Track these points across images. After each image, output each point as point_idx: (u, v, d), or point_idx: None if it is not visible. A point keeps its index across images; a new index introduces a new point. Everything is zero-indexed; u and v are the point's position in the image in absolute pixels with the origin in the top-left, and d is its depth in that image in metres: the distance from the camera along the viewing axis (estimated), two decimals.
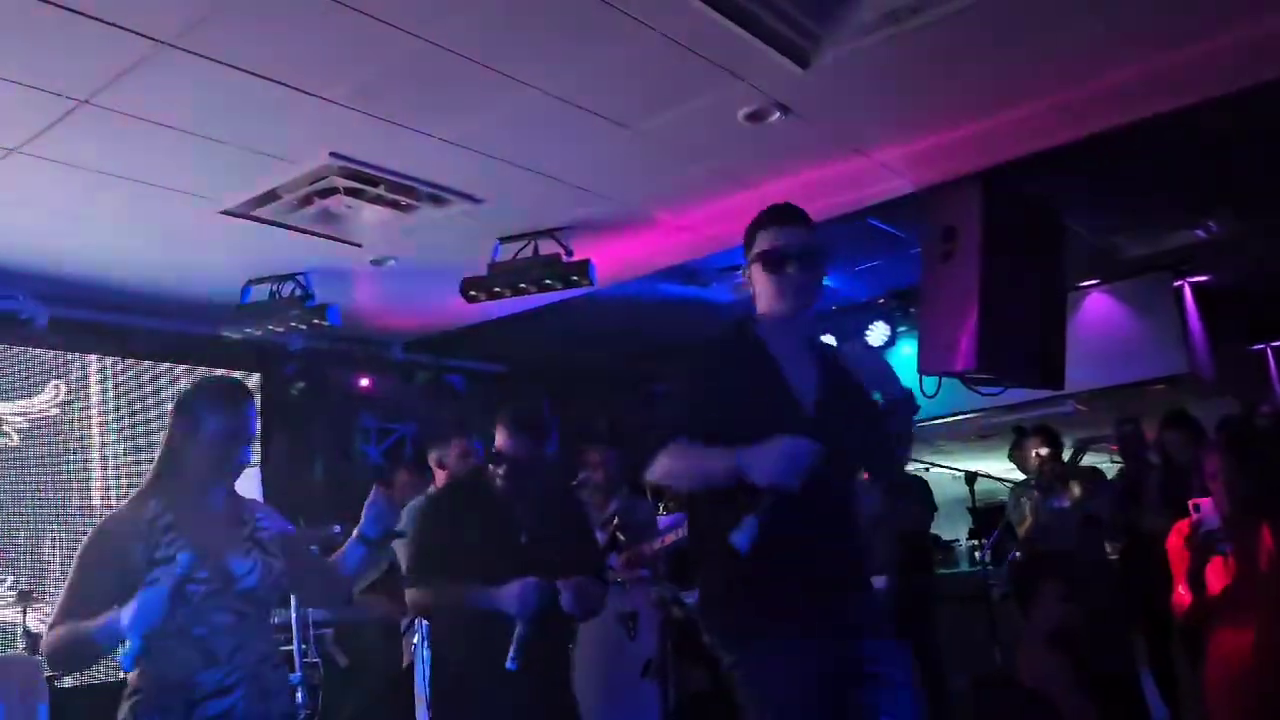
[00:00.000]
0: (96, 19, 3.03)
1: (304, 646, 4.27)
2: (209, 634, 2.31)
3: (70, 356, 5.65)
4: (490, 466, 3.15)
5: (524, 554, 3.04)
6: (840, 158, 4.39)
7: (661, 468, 2.28)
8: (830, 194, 4.78)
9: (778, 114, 3.92)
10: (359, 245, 4.99)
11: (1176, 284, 6.52)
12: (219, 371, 6.08)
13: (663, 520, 5.25)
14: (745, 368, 2.40)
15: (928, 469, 6.83)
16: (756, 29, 3.35)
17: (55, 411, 5.54)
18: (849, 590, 2.33)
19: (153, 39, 3.17)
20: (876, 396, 2.39)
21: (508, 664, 2.83)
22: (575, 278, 4.85)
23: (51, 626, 2.28)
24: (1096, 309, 6.68)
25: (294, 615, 4.28)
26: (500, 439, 3.12)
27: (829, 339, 2.65)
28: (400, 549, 3.69)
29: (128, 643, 2.14)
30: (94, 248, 4.80)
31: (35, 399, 5.47)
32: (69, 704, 4.10)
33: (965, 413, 6.94)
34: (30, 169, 3.94)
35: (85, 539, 2.36)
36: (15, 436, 5.38)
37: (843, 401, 2.37)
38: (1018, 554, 5.72)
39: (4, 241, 4.63)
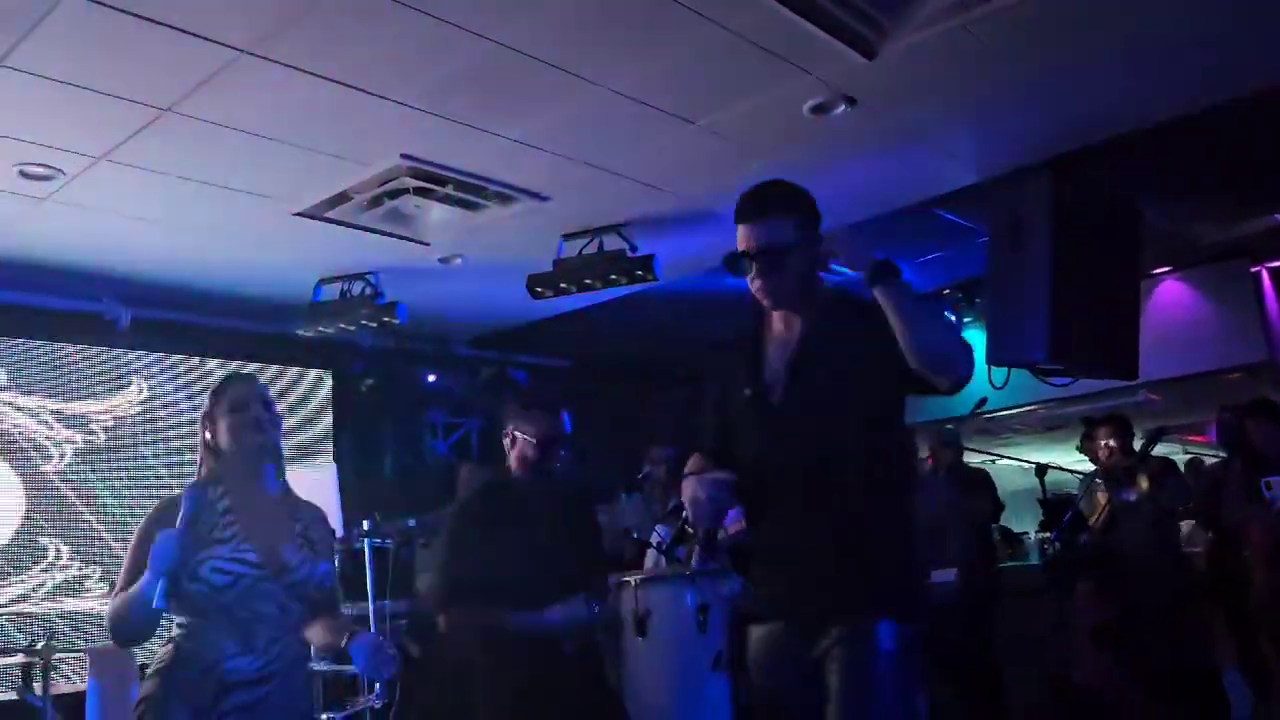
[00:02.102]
0: (179, 29, 3.12)
1: (380, 638, 4.33)
2: (250, 620, 2.32)
3: (151, 356, 5.82)
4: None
5: (551, 570, 3.04)
6: (907, 149, 4.36)
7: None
8: (896, 186, 4.75)
9: (843, 106, 3.90)
10: (427, 244, 5.07)
11: (1254, 270, 6.35)
12: (292, 369, 6.26)
13: (731, 512, 5.27)
14: (734, 364, 2.36)
15: (994, 461, 6.75)
16: (821, 21, 3.34)
17: (138, 409, 5.73)
18: (824, 581, 2.15)
19: (231, 47, 3.26)
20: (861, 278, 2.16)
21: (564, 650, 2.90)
22: (640, 273, 4.87)
23: (112, 597, 2.32)
24: (1170, 296, 6.54)
25: (370, 606, 4.34)
26: (519, 424, 3.12)
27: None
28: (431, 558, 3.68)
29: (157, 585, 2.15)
30: (173, 250, 4.94)
31: (119, 398, 5.66)
32: None
33: (1034, 404, 6.84)
34: (114, 175, 4.08)
35: (149, 515, 2.41)
36: (102, 434, 5.57)
37: (821, 379, 2.20)
38: (1089, 546, 5.63)
39: (89, 245, 4.79)
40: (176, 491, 2.44)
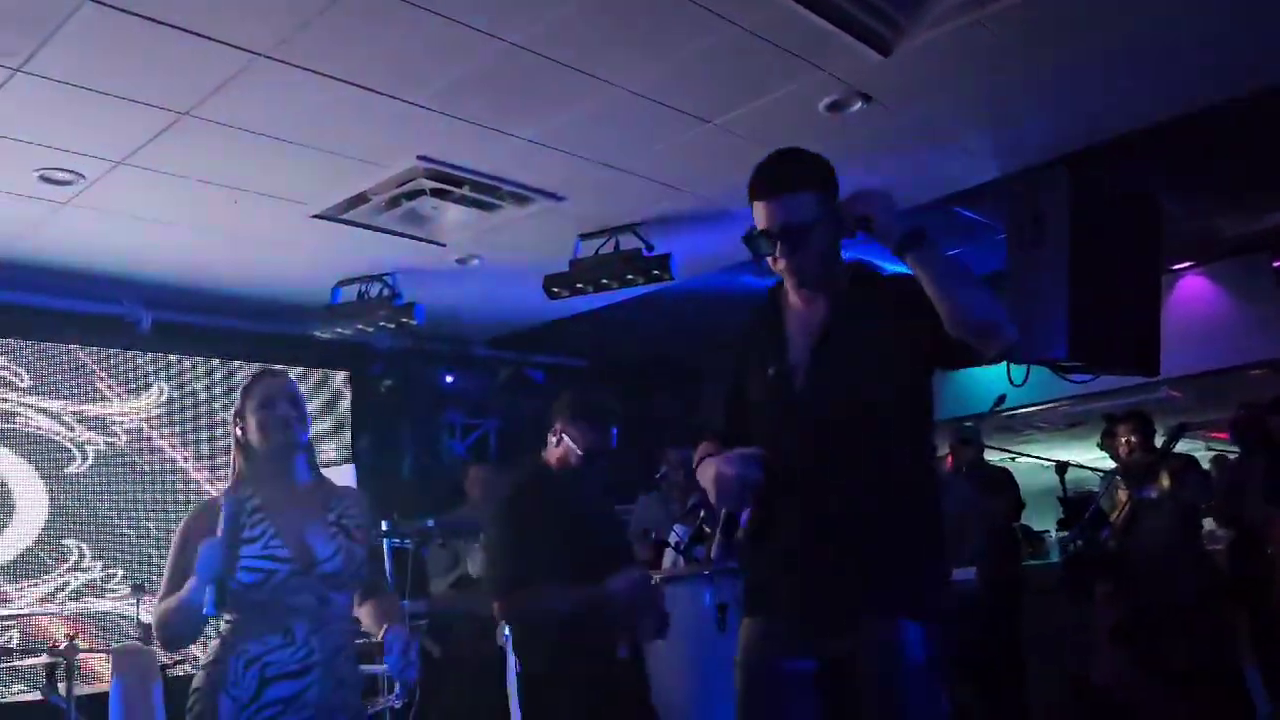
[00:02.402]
0: (195, 33, 3.15)
1: (411, 639, 4.34)
2: (288, 614, 2.34)
3: (173, 358, 5.87)
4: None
5: (605, 550, 3.06)
6: (923, 145, 4.34)
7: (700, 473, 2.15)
8: (913, 182, 4.72)
9: (859, 103, 3.89)
10: (443, 245, 5.09)
11: (1276, 264, 6.28)
12: (312, 371, 6.29)
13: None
14: (754, 346, 2.20)
15: (1015, 459, 6.71)
16: (836, 17, 3.33)
17: (159, 411, 5.77)
18: (843, 577, 2.01)
19: (248, 51, 3.28)
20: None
21: (620, 653, 2.88)
22: (656, 272, 4.87)
23: (157, 603, 2.38)
24: (1192, 291, 6.48)
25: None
26: (570, 430, 3.12)
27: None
28: (476, 553, 3.69)
29: (205, 593, 2.19)
30: (193, 253, 4.98)
31: (141, 400, 5.70)
32: (179, 688, 4.26)
33: (1055, 401, 6.79)
34: (134, 179, 4.11)
35: (184, 519, 2.45)
36: (123, 436, 5.62)
37: (847, 362, 2.06)
38: (1110, 543, 5.59)
39: (110, 248, 4.83)
40: (209, 495, 2.46)
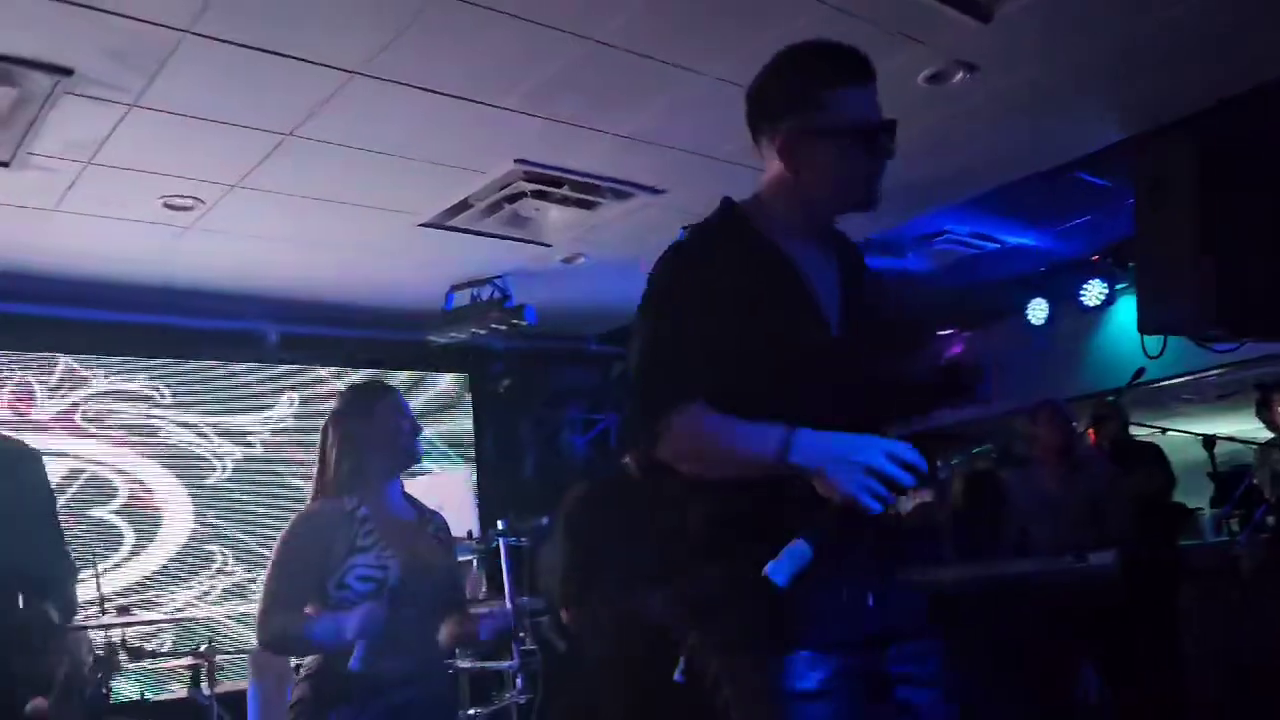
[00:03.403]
0: (289, 56, 3.24)
1: (522, 634, 4.39)
2: (396, 623, 2.35)
3: (299, 369, 6.11)
4: None
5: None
6: (1035, 111, 4.13)
7: (676, 441, 1.59)
8: (1029, 150, 4.51)
9: (962, 73, 3.72)
10: (549, 245, 5.13)
11: None
12: (432, 374, 6.45)
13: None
14: (753, 283, 1.69)
15: (1164, 433, 6.33)
16: None
17: (290, 421, 6.02)
18: (884, 584, 1.68)
19: (341, 70, 3.36)
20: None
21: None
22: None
23: (265, 611, 2.38)
24: None
25: (509, 603, 4.40)
26: None
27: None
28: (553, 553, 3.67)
29: (355, 647, 2.25)
30: (310, 267, 5.17)
31: (273, 411, 5.96)
32: None
33: (1200, 371, 6.38)
34: (249, 201, 4.28)
35: (291, 527, 2.47)
36: (259, 447, 5.89)
37: (871, 323, 1.78)
38: (1270, 520, 5.22)
39: (233, 267, 5.06)
40: (309, 505, 2.54)
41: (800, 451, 1.52)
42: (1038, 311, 6.65)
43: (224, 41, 3.12)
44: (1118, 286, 6.32)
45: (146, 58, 3.19)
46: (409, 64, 3.38)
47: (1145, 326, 4.42)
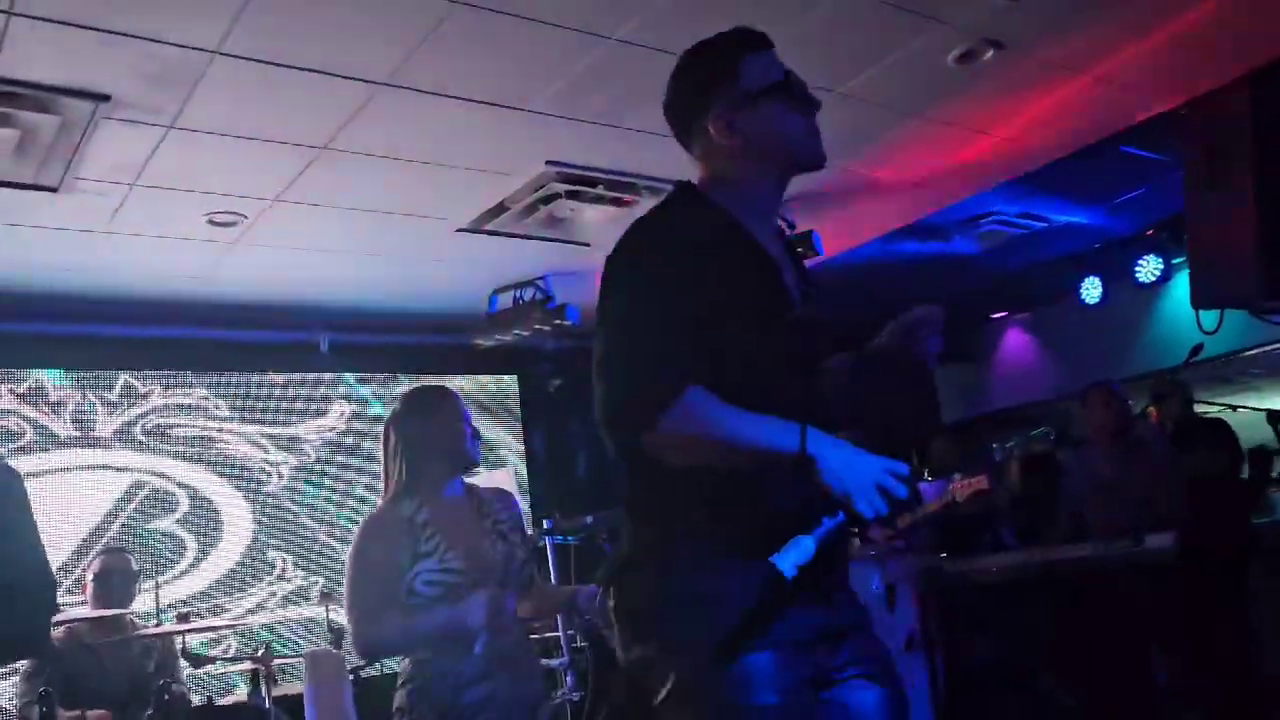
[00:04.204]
0: (316, 71, 3.30)
1: (571, 631, 4.41)
2: None
3: (350, 376, 6.22)
4: None
5: None
6: (1072, 84, 4.02)
7: (677, 425, 1.51)
8: (1070, 125, 4.40)
9: (991, 50, 3.65)
10: (587, 244, 5.13)
11: None
12: (485, 379, 6.52)
13: (925, 488, 5.07)
14: (728, 256, 1.65)
15: (1234, 410, 6.13)
16: None
17: (342, 426, 6.13)
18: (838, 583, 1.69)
19: (369, 81, 3.41)
20: None
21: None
22: (800, 250, 4.74)
23: (356, 624, 2.42)
24: None
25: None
26: None
27: None
28: None
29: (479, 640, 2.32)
30: (355, 276, 5.25)
31: (327, 418, 6.07)
32: (365, 692, 4.51)
33: (1262, 346, 6.19)
34: (290, 214, 4.37)
35: (360, 538, 2.51)
36: (312, 453, 6.00)
37: (816, 305, 1.79)
38: None
39: (279, 279, 5.16)
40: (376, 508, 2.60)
41: (822, 457, 1.49)
42: (1092, 290, 6.51)
43: (252, 60, 3.18)
44: (1174, 261, 6.14)
45: (179, 80, 3.27)
46: (433, 73, 3.41)
47: (1198, 301, 4.30)
